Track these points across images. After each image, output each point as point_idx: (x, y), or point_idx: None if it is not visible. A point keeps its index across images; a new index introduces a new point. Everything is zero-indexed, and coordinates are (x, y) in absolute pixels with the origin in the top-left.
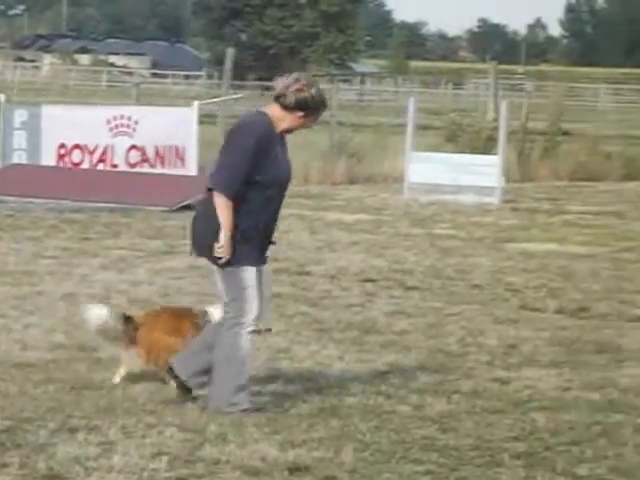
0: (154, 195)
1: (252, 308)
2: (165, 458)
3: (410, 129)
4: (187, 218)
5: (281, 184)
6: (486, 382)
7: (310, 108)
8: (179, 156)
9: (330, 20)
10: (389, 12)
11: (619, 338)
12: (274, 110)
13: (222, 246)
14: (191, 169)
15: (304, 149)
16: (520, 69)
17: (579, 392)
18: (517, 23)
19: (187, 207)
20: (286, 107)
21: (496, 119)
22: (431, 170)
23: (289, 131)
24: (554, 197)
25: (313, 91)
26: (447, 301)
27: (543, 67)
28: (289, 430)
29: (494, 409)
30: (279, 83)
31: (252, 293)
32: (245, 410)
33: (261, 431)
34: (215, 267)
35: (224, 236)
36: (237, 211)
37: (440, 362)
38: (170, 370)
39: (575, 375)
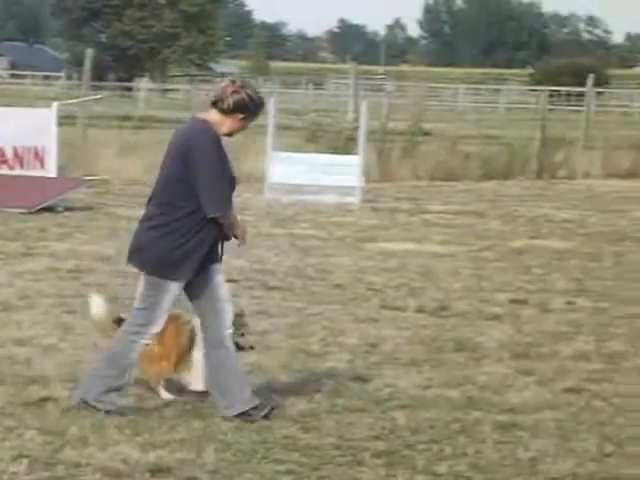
0: (13, 197)
1: (158, 323)
2: (25, 461)
3: (271, 129)
4: (46, 220)
5: (232, 189)
6: (347, 381)
7: (248, 109)
8: (38, 157)
9: (190, 20)
10: (249, 12)
11: (478, 336)
12: (212, 116)
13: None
14: (50, 170)
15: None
16: (380, 69)
17: (439, 390)
18: (376, 24)
19: (47, 209)
20: (224, 111)
21: (356, 119)
22: (292, 170)
23: (229, 135)
24: (414, 197)
25: (249, 92)
26: (308, 301)
27: (403, 67)
28: (150, 432)
29: (355, 408)
30: (216, 89)
31: (164, 310)
32: (108, 412)
33: (122, 433)
34: (143, 273)
35: (240, 230)
36: (188, 226)
37: (301, 362)
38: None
39: (435, 373)
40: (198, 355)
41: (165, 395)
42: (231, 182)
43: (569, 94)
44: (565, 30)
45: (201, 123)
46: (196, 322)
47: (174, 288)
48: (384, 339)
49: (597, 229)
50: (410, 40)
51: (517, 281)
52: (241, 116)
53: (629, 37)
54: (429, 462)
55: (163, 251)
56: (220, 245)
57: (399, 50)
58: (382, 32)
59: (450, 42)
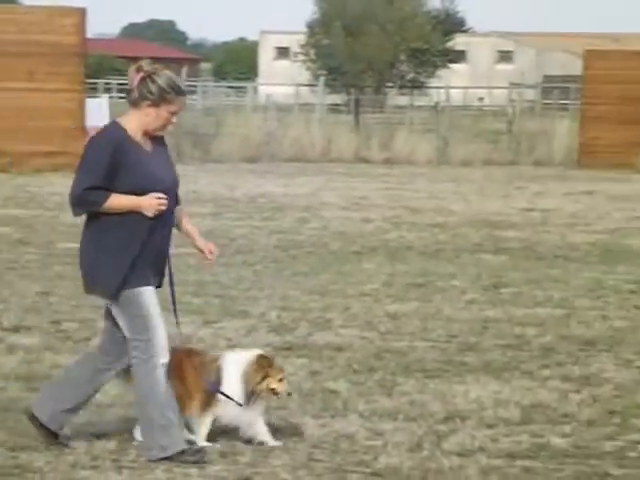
0: None
1: (159, 336)
2: None
3: None
4: None
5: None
6: None
7: (157, 96)
8: None
9: None
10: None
11: None
12: (128, 114)
13: (153, 202)
14: None
15: None
16: None
17: None
18: None
19: None
20: (134, 104)
21: None
22: None
23: (151, 133)
24: None
25: (156, 77)
26: None
27: None
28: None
29: None
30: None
31: (156, 318)
32: (182, 452)
33: None
34: (108, 302)
35: (136, 201)
36: (119, 233)
37: None
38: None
39: None
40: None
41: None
42: (142, 193)
43: None
44: None
45: (109, 124)
46: (223, 359)
47: (146, 291)
48: None
49: None
50: None
51: None
52: (147, 103)
53: None
54: None
55: (104, 268)
56: (163, 257)
57: None
58: None
59: None
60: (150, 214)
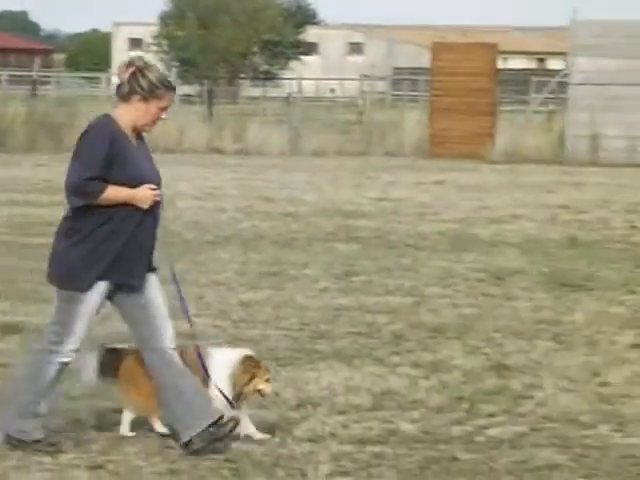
0: None
1: (74, 340)
2: None
3: None
4: None
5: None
6: None
7: (147, 91)
8: None
9: None
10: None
11: None
12: (118, 108)
13: (148, 194)
14: None
15: None
16: None
17: None
18: None
19: None
20: (124, 98)
21: None
22: None
23: (140, 128)
24: None
25: (147, 72)
26: None
27: None
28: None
29: None
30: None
31: (80, 325)
32: (37, 441)
33: None
34: (55, 289)
35: (132, 193)
36: (97, 230)
37: None
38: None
39: None
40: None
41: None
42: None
43: None
44: None
45: (101, 117)
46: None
47: (89, 297)
48: None
49: None
50: None
51: None
52: (137, 98)
53: None
54: None
55: (69, 261)
56: (149, 252)
57: None
58: None
59: None
60: (145, 206)
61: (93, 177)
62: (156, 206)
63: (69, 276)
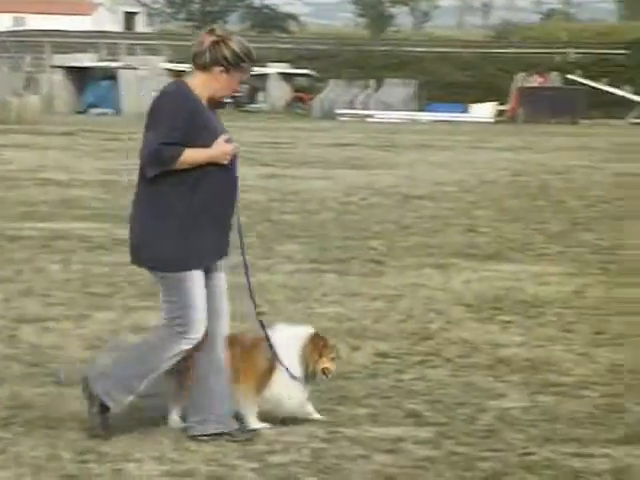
0: None
1: (201, 321)
2: None
3: None
4: None
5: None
6: None
7: (230, 63)
8: None
9: None
10: None
11: None
12: (194, 75)
13: (227, 149)
14: None
15: None
16: None
17: None
18: None
19: None
20: (203, 67)
21: None
22: None
23: (217, 99)
24: None
25: (231, 43)
26: None
27: None
28: None
29: None
30: (194, 43)
31: (201, 302)
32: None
33: None
34: (154, 276)
35: (209, 153)
36: (176, 195)
37: None
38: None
39: None
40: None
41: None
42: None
43: None
44: None
45: (175, 83)
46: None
47: (196, 274)
48: None
49: None
50: None
51: None
52: (219, 69)
53: None
54: None
55: (168, 241)
56: (226, 235)
57: None
58: None
59: None
60: (225, 161)
61: (170, 142)
62: (234, 167)
63: (173, 257)
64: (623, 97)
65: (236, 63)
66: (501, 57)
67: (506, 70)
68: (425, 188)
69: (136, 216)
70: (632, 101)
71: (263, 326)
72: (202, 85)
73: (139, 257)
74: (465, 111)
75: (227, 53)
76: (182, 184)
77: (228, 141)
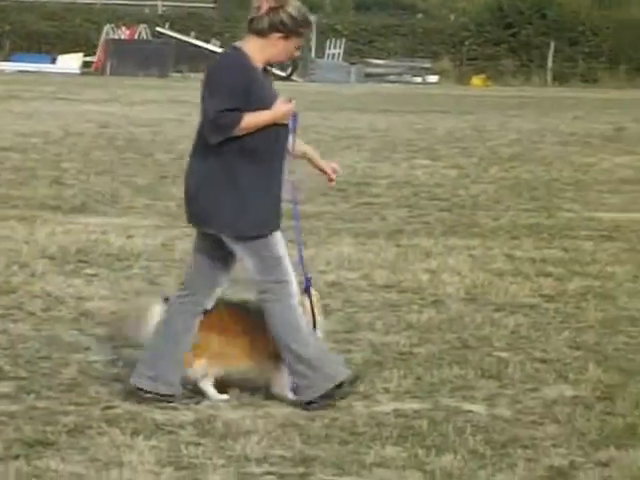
0: None
1: (291, 276)
2: None
3: None
4: None
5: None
6: None
7: (289, 29)
8: None
9: None
10: None
11: None
12: (249, 41)
13: (284, 109)
14: None
15: None
16: None
17: None
18: None
19: None
20: (261, 33)
21: None
22: None
23: (271, 64)
24: None
25: (290, 8)
26: None
27: None
28: None
29: None
30: (251, 9)
31: (285, 260)
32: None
33: None
34: (235, 242)
35: (270, 114)
36: (242, 162)
37: None
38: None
39: None
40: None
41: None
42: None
43: None
44: None
45: (231, 50)
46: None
47: (278, 235)
48: None
49: None
50: None
51: None
52: (279, 36)
53: None
54: None
55: (245, 208)
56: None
57: None
58: None
59: None
60: (287, 120)
61: (229, 109)
62: (284, 144)
63: (253, 223)
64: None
65: (295, 29)
66: (87, 8)
67: (93, 21)
68: (10, 140)
69: (203, 186)
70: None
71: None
72: (259, 51)
73: (216, 226)
74: (52, 62)
75: (286, 19)
76: (246, 149)
77: (287, 101)
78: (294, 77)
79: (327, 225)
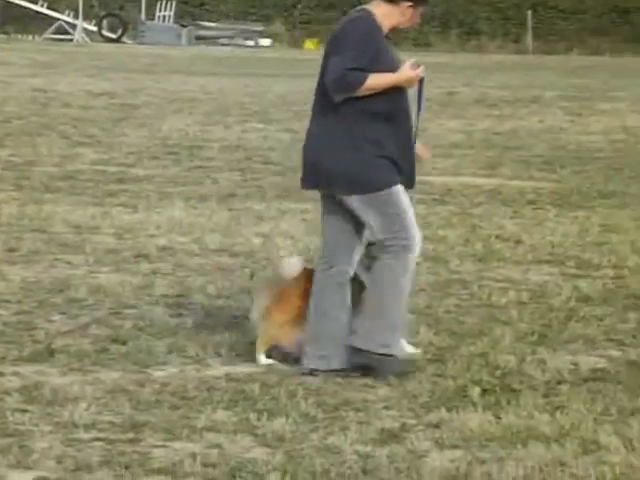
0: None
1: (415, 231)
2: None
3: None
4: None
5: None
6: None
7: (419, 0)
8: None
9: None
10: None
11: None
12: (377, 6)
13: (411, 74)
14: None
15: None
16: None
17: None
18: None
19: None
20: (392, 0)
21: None
22: None
23: (394, 29)
24: None
25: None
26: None
27: None
28: None
29: None
30: None
31: (409, 216)
32: (392, 356)
33: None
34: (359, 200)
35: (395, 77)
36: (364, 121)
37: None
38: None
39: None
40: None
41: (265, 361)
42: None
43: None
44: None
45: (361, 12)
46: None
47: (399, 190)
48: None
49: None
50: None
51: None
52: (408, 4)
53: None
54: None
55: (368, 164)
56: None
57: None
58: None
59: None
60: (411, 86)
61: (356, 68)
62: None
63: (377, 177)
64: (39, 12)
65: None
66: None
67: None
68: None
69: (325, 149)
70: (49, 16)
71: None
72: (389, 17)
73: (340, 186)
74: None
75: None
76: (367, 111)
77: (414, 66)
78: (124, 39)
79: (158, 189)
